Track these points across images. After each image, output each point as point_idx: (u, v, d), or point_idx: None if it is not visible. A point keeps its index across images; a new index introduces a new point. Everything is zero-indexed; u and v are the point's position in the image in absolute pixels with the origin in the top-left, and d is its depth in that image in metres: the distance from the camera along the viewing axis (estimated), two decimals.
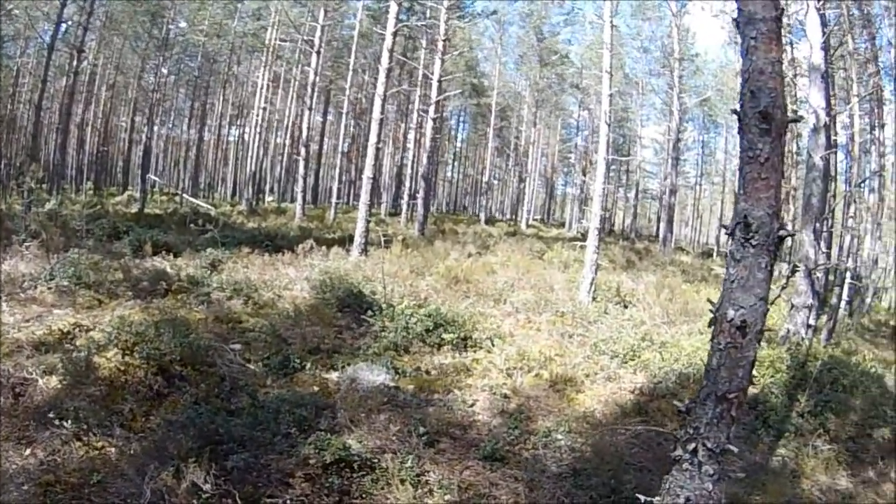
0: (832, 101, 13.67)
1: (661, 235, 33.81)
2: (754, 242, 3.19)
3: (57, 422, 5.53)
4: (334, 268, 12.89)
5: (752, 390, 8.68)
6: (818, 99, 11.60)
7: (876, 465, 7.41)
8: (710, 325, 3.49)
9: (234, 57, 37.57)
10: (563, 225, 47.57)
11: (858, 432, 8.02)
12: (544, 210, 55.45)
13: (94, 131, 36.25)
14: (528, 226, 39.54)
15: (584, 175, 46.58)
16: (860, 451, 7.69)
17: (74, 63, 24.56)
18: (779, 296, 12.04)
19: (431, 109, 24.08)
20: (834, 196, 18.06)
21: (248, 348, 8.07)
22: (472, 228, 30.02)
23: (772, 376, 9.35)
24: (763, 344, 9.82)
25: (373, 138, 16.67)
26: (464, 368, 8.52)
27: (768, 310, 3.38)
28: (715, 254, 38.57)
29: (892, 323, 20.14)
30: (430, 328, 9.31)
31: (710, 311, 3.47)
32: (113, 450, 5.38)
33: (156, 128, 34.43)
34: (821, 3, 11.67)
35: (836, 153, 17.14)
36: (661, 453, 6.56)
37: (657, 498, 3.59)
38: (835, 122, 16.54)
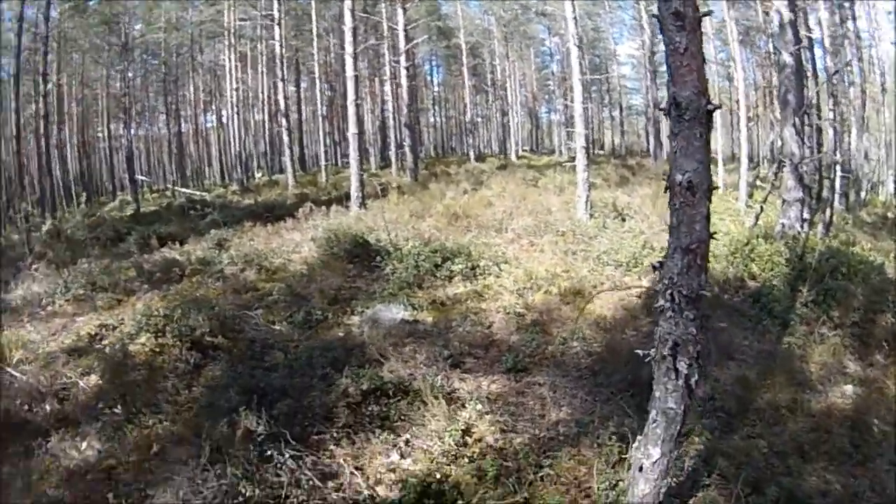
0: None
1: (651, 149, 33.93)
2: (687, 117, 3.64)
3: (107, 411, 5.81)
4: (336, 224, 13.06)
5: (753, 283, 9.35)
6: None
7: (882, 349, 7.78)
8: (665, 191, 3.91)
9: (195, 46, 37.23)
10: (552, 152, 47.48)
11: (862, 318, 8.30)
12: (532, 140, 55.31)
13: (73, 147, 36.25)
14: (517, 157, 39.58)
15: (566, 99, 46.44)
16: (865, 336, 8.03)
17: (41, 88, 24.57)
18: (769, 192, 12.44)
19: (402, 59, 24.09)
20: (817, 87, 18.16)
21: (270, 311, 8.31)
22: (463, 168, 30.06)
23: (771, 269, 9.77)
24: (760, 240, 10.37)
25: (351, 96, 16.84)
26: (476, 295, 8.90)
27: (710, 174, 3.83)
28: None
29: (889, 215, 20.40)
30: (439, 263, 9.69)
31: (664, 179, 3.88)
32: (166, 423, 5.68)
33: (133, 130, 34.30)
34: None
35: (809, 48, 17.18)
36: None
37: (652, 350, 4.02)
38: (805, 18, 16.55)
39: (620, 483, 4.73)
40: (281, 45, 26.82)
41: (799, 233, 11.42)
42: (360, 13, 24.63)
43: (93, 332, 7.83)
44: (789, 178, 11.94)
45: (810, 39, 17.05)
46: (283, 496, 4.69)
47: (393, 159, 29.85)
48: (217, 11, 33.51)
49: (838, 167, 15.98)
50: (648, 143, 41.99)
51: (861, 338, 8.00)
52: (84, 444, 5.53)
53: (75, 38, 31.30)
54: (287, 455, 4.93)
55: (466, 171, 26.02)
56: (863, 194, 22.68)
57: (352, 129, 16.73)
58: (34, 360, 7.03)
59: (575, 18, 14.28)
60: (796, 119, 11.95)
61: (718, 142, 24.60)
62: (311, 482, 4.83)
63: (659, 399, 4.02)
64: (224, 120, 39.49)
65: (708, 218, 3.87)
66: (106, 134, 37.52)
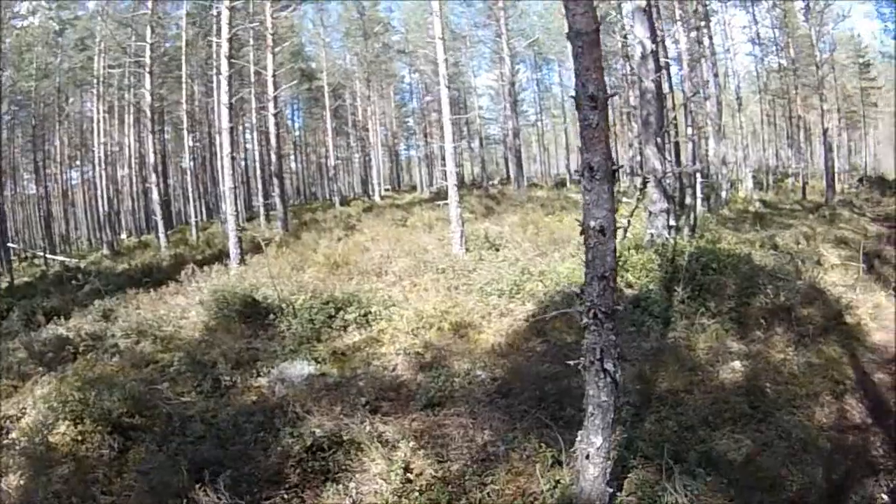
0: (656, 26, 15.07)
1: (512, 177, 35.46)
2: (598, 177, 4.52)
3: None
4: (220, 284, 12.79)
5: (631, 291, 10.27)
6: (642, 31, 13.01)
7: (761, 326, 8.85)
8: (581, 234, 4.75)
9: (61, 96, 35.48)
10: (414, 188, 48.46)
11: (737, 304, 9.45)
12: (393, 178, 56.15)
13: None
14: (381, 197, 40.09)
15: (426, 137, 47.72)
16: (743, 319, 9.13)
17: None
18: (636, 207, 13.64)
19: (271, 105, 23.98)
20: (674, 109, 19.88)
21: (176, 383, 8.23)
22: (329, 213, 30.21)
23: (647, 276, 10.76)
24: (632, 251, 11.38)
25: (226, 149, 16.64)
26: (373, 341, 9.33)
27: (616, 218, 4.74)
28: (568, 182, 40.77)
29: (750, 209, 22.56)
30: (332, 314, 10.02)
31: (578, 222, 4.77)
32: None
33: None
34: None
35: (667, 72, 18.82)
36: (563, 363, 7.36)
37: (582, 358, 4.85)
38: (663, 44, 18.16)
39: (561, 481, 5.41)
40: (151, 94, 25.89)
41: (668, 239, 12.40)
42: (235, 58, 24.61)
43: None
44: (654, 192, 13.00)
45: (667, 64, 18.63)
46: None
47: (261, 210, 29.54)
48: (88, 58, 32.14)
49: (698, 175, 17.60)
50: (508, 171, 43.98)
51: (739, 321, 9.06)
52: None
53: None
54: None
55: (335, 217, 26.32)
56: (723, 194, 24.71)
57: (227, 183, 16.60)
58: None
59: (445, 60, 14.99)
60: (657, 139, 13.15)
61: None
62: None
63: (593, 396, 4.80)
64: (90, 177, 37.61)
65: (615, 251, 4.75)
66: None
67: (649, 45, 13.04)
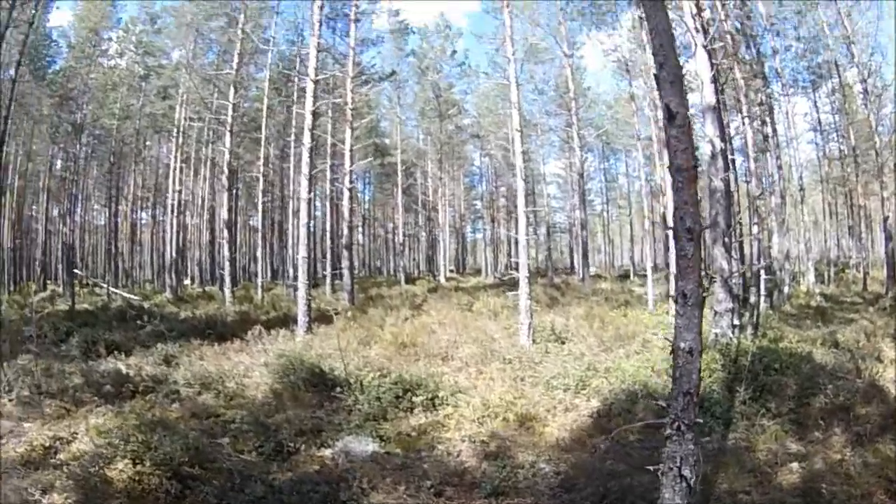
0: (725, 124, 15.14)
1: (577, 268, 35.34)
2: (689, 304, 4.77)
3: None
4: (287, 350, 13.07)
5: None
6: (712, 130, 13.01)
7: (819, 427, 8.61)
8: (670, 353, 4.97)
9: (140, 138, 37.15)
10: (478, 272, 48.62)
11: (797, 405, 9.26)
12: (457, 259, 56.54)
13: (8, 223, 34.67)
14: (446, 279, 40.48)
15: (493, 222, 48.21)
16: (802, 419, 8.91)
17: None
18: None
19: (346, 179, 24.43)
20: (738, 205, 19.73)
21: (237, 440, 8.32)
22: (394, 290, 30.59)
23: (710, 377, 10.42)
24: None
25: (303, 218, 17.01)
26: (438, 425, 9.28)
27: (703, 339, 4.93)
28: (632, 275, 40.42)
29: (812, 304, 22.00)
30: (399, 394, 10.00)
31: (668, 341, 4.99)
32: None
33: (74, 216, 33.46)
34: (707, 40, 12.97)
35: (734, 171, 18.85)
36: (629, 460, 7.75)
37: (661, 465, 5.05)
38: (731, 142, 18.21)
39: None
40: (230, 152, 26.82)
41: (731, 339, 12.22)
42: (319, 133, 25.53)
43: (46, 444, 7.73)
44: (720, 291, 12.89)
45: (733, 161, 18.61)
46: None
47: (328, 279, 29.90)
48: (169, 107, 33.66)
49: (762, 272, 17.26)
50: (572, 260, 43.91)
51: (798, 422, 8.82)
52: None
53: (28, 104, 30.65)
54: None
55: (400, 295, 26.53)
56: (786, 289, 24.10)
57: (302, 252, 16.83)
58: None
59: (523, 152, 15.14)
60: (725, 238, 13.12)
61: (648, 249, 26.12)
62: None
63: (668, 499, 4.99)
64: (160, 220, 38.96)
65: (699, 370, 4.95)
66: (44, 215, 36.46)
67: (719, 144, 13.03)
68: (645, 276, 36.95)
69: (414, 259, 55.92)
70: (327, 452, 8.21)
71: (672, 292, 5.02)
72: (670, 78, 4.77)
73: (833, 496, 6.72)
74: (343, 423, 9.18)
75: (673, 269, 12.90)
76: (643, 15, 4.99)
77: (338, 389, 10.43)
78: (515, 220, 46.88)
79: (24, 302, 21.09)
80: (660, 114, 22.53)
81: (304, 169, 17.03)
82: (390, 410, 9.67)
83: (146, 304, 21.68)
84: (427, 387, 10.29)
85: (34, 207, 39.05)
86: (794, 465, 7.67)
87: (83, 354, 12.76)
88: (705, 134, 13.26)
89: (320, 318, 17.74)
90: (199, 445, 7.53)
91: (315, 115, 17.33)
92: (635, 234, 50.45)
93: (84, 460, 7.13)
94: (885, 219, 27.83)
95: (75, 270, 27.22)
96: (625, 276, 39.79)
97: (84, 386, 10.29)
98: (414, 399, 9.96)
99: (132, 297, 24.81)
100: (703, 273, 4.95)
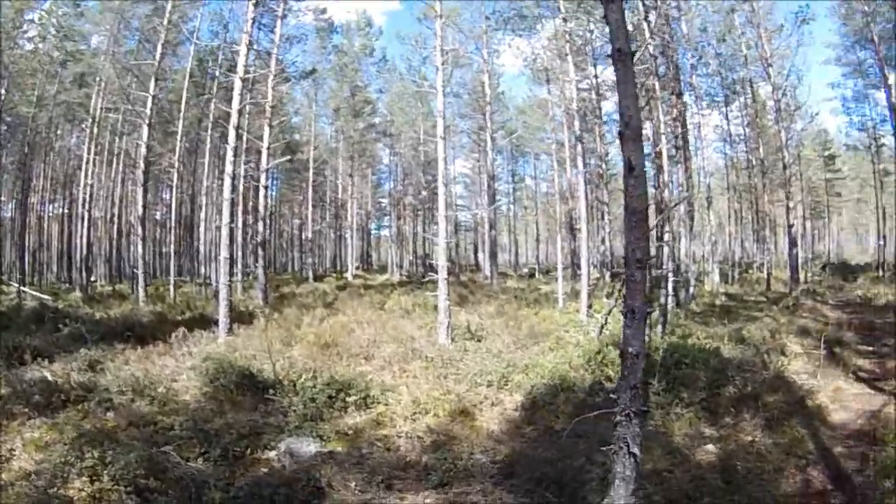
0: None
1: (484, 266, 36.27)
2: (637, 318, 5.54)
3: None
4: (213, 352, 13.17)
5: (610, 385, 10.94)
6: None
7: (730, 413, 9.78)
8: (620, 357, 5.92)
9: (52, 128, 35.36)
10: (384, 269, 48.98)
11: (709, 394, 10.34)
12: (363, 257, 56.61)
13: None
14: (353, 276, 40.72)
15: (399, 219, 48.69)
16: (714, 407, 10.02)
17: None
18: (614, 306, 14.50)
19: (263, 177, 24.30)
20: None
21: (181, 448, 8.29)
22: (303, 287, 30.72)
23: None
24: (610, 347, 12.30)
25: (226, 218, 16.83)
26: (374, 423, 9.80)
27: (645, 343, 5.74)
28: (537, 273, 41.73)
29: (717, 302, 23.65)
30: (332, 395, 10.45)
31: (619, 349, 6.02)
32: None
33: None
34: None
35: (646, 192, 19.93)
36: (558, 448, 8.56)
37: (612, 445, 5.78)
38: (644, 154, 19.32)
39: None
40: (147, 146, 26.02)
41: None
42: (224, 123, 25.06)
43: None
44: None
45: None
46: None
47: (238, 278, 29.49)
48: (86, 95, 32.18)
49: (671, 275, 18.51)
50: (476, 258, 45.01)
51: (710, 409, 9.91)
52: None
53: None
54: None
55: (311, 293, 26.85)
56: (691, 289, 25.81)
57: (224, 252, 16.73)
58: None
59: (445, 159, 15.75)
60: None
61: (559, 249, 27.20)
62: None
63: (619, 472, 5.68)
64: (68, 214, 37.20)
65: (642, 368, 5.73)
66: None
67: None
68: (549, 274, 38.50)
69: (320, 256, 55.65)
70: (272, 454, 8.54)
71: (623, 308, 5.75)
72: (633, 136, 5.62)
73: (748, 472, 7.72)
74: (281, 424, 9.47)
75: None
76: (616, 75, 5.65)
77: (270, 391, 10.72)
78: (425, 220, 48.00)
79: None
80: (575, 121, 23.94)
81: (228, 168, 16.88)
82: (325, 411, 10.08)
83: (60, 305, 20.87)
84: (358, 386, 10.76)
85: None
86: (710, 446, 8.70)
87: (5, 362, 12.20)
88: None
89: (238, 318, 17.78)
90: (150, 456, 7.59)
91: (240, 113, 17.24)
92: (541, 234, 51.99)
93: (37, 482, 6.99)
94: (791, 226, 30.36)
95: None
96: (530, 276, 41.05)
97: (12, 397, 9.93)
98: (347, 399, 10.42)
99: (44, 296, 23.70)
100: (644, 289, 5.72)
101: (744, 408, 9.79)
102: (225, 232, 16.93)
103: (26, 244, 35.36)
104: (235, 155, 17.49)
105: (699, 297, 26.11)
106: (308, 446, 8.68)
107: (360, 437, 9.23)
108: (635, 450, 5.74)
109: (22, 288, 24.97)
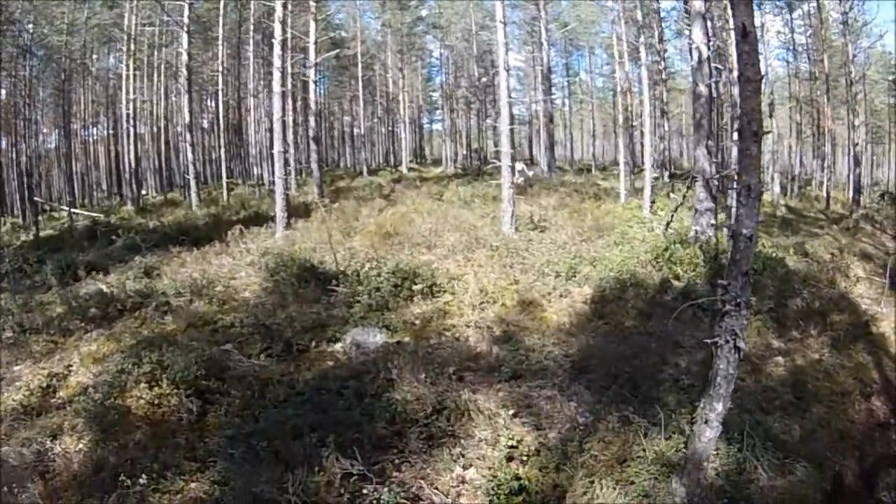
0: (711, 37, 15.25)
1: (539, 160, 35.33)
2: (752, 196, 5.23)
3: (128, 481, 5.32)
4: (271, 247, 12.95)
5: (679, 284, 10.55)
6: (700, 37, 13.31)
7: (798, 327, 9.27)
8: (729, 239, 5.58)
9: (86, 52, 34.97)
10: (437, 163, 48.25)
11: (776, 304, 9.85)
12: (416, 151, 55.95)
13: None
14: (408, 169, 40.08)
15: (452, 112, 47.56)
16: (781, 318, 9.55)
17: None
18: (681, 203, 13.84)
19: (311, 72, 23.48)
20: (719, 115, 19.93)
21: (243, 345, 8.14)
22: (358, 182, 30.23)
23: (693, 270, 11.04)
24: (678, 246, 11.65)
25: (277, 113, 16.52)
26: (441, 312, 9.42)
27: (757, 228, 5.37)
28: (593, 169, 40.55)
29: (777, 213, 22.66)
30: (398, 284, 10.04)
31: (729, 229, 5.64)
32: (199, 482, 5.50)
33: (24, 144, 31.57)
34: None
35: (719, 81, 19.03)
36: (628, 345, 8.15)
37: (717, 337, 5.50)
38: (719, 55, 18.24)
39: (659, 447, 5.97)
40: (189, 55, 25.34)
41: (710, 237, 12.76)
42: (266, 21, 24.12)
43: (43, 385, 7.33)
44: (701, 191, 13.28)
45: (718, 69, 18.71)
46: None
47: (292, 174, 29.20)
48: (119, 15, 31.65)
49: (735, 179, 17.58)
50: (531, 152, 43.81)
51: (777, 320, 9.47)
52: None
53: None
54: (385, 489, 5.31)
55: (366, 186, 26.17)
56: None
57: (277, 146, 16.35)
58: None
59: (506, 44, 14.97)
60: (708, 142, 13.48)
61: (621, 143, 26.12)
62: None
63: (722, 368, 5.49)
64: (115, 133, 37.23)
65: (753, 255, 5.51)
66: None
67: (705, 52, 13.35)
68: (605, 171, 37.35)
69: (371, 151, 55.19)
70: (337, 347, 8.27)
71: (736, 185, 5.43)
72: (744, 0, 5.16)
73: (817, 390, 7.50)
74: (346, 316, 9.17)
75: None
76: None
77: (333, 282, 10.38)
78: (479, 112, 46.73)
79: None
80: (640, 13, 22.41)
81: (277, 62, 16.39)
82: (391, 300, 9.73)
83: (112, 219, 20.57)
84: (423, 275, 10.37)
85: None
86: (779, 359, 8.37)
87: (60, 281, 11.97)
88: (693, 41, 13.51)
89: (294, 212, 17.37)
90: (211, 356, 7.38)
91: (284, 6, 16.49)
92: (597, 128, 50.30)
93: (94, 394, 6.82)
94: (855, 145, 29.04)
95: (35, 198, 25.87)
96: (586, 170, 39.94)
97: (68, 314, 9.76)
98: (413, 288, 10.04)
99: (92, 215, 23.66)
100: (759, 168, 5.35)
101: (810, 323, 9.32)
102: (277, 126, 16.62)
103: (73, 169, 35.50)
104: (283, 49, 16.77)
105: (760, 206, 24.83)
106: (374, 337, 8.39)
107: (427, 327, 8.86)
108: (741, 344, 5.45)
109: (71, 210, 24.94)
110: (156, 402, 6.56)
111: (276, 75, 16.51)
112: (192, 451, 5.96)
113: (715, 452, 5.87)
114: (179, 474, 5.55)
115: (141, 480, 5.33)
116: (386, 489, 5.35)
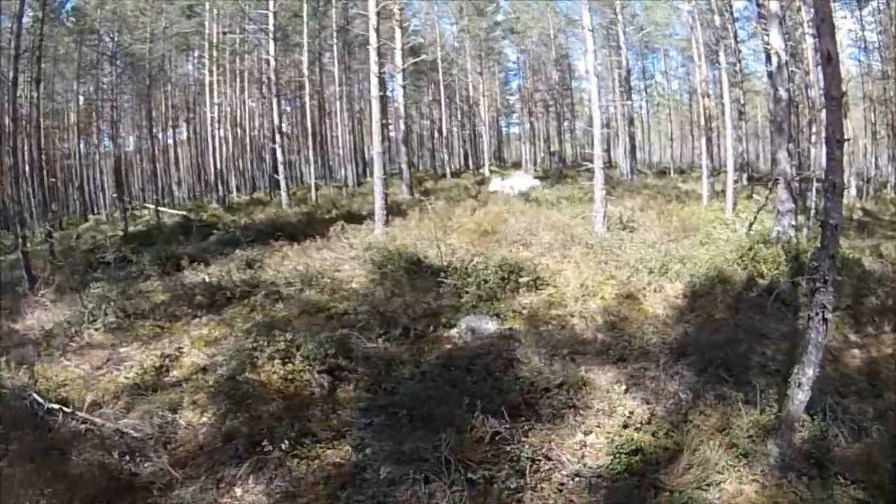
0: (787, 40, 15.34)
1: (619, 163, 35.33)
2: (838, 192, 5.78)
3: (269, 446, 5.81)
4: (374, 242, 13.56)
5: (763, 281, 11.03)
6: (778, 41, 13.53)
7: (873, 323, 9.64)
8: (820, 227, 6.06)
9: (166, 58, 36.73)
10: (517, 165, 48.49)
11: (853, 302, 10.19)
12: (496, 154, 56.33)
13: (35, 164, 34.72)
14: (490, 172, 40.48)
15: (530, 116, 47.81)
16: (857, 315, 9.90)
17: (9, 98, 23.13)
18: (764, 204, 13.96)
19: (399, 77, 24.49)
20: (797, 118, 19.80)
21: (360, 330, 8.67)
22: (443, 183, 30.92)
23: (776, 269, 11.45)
24: (761, 245, 12.07)
25: (376, 115, 17.38)
26: (545, 303, 10.02)
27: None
28: (672, 172, 40.18)
29: (853, 217, 22.30)
30: (504, 276, 10.69)
31: (820, 220, 6.08)
32: (335, 449, 6.09)
33: (111, 145, 33.43)
34: None
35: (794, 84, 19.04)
36: (720, 335, 8.64)
37: (806, 311, 6.20)
38: (792, 55, 18.26)
39: (757, 418, 6.61)
40: (276, 60, 26.55)
41: (791, 237, 13.12)
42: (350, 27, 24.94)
43: (157, 364, 7.93)
44: (782, 192, 13.59)
45: (794, 73, 18.67)
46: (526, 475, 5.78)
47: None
48: (199, 24, 33.14)
49: (815, 181, 17.53)
50: (610, 155, 43.68)
51: (854, 316, 9.83)
52: (240, 491, 5.60)
53: (46, 47, 30.16)
54: (526, 446, 6.12)
55: (454, 188, 26.88)
56: None
57: (377, 147, 17.32)
58: (106, 401, 6.99)
59: (595, 51, 15.45)
60: (789, 144, 13.88)
61: (703, 146, 26.03)
62: (536, 464, 5.96)
63: (813, 337, 6.08)
64: (198, 136, 38.97)
65: (838, 243, 6.15)
66: (79, 150, 36.57)
67: (784, 56, 13.63)
68: (684, 174, 36.99)
69: (451, 154, 55.84)
70: (453, 332, 8.94)
71: (818, 184, 6.01)
72: (829, 31, 5.89)
73: (889, 380, 7.85)
74: (457, 305, 9.81)
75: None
76: None
77: (442, 275, 11.03)
78: (558, 116, 46.86)
79: (72, 236, 21.33)
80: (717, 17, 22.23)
81: (374, 68, 17.46)
82: (499, 291, 10.37)
83: (204, 216, 21.64)
84: (527, 269, 10.99)
85: (65, 145, 38.87)
86: (856, 351, 8.82)
87: (162, 271, 12.61)
88: (771, 45, 13.82)
89: (389, 210, 17.94)
90: (341, 337, 8.08)
91: (378, 14, 17.35)
92: (675, 130, 49.78)
93: (219, 370, 7.51)
94: None
95: (123, 197, 27.27)
96: (664, 173, 39.65)
97: (173, 301, 10.39)
98: (519, 280, 10.67)
99: (179, 213, 24.76)
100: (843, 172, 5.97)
101: (885, 320, 9.59)
102: (376, 128, 17.47)
103: (156, 169, 37.18)
104: (379, 55, 17.87)
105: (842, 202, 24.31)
106: (487, 324, 9.04)
107: (535, 316, 9.48)
108: (829, 315, 6.03)
109: (158, 208, 26.17)
110: (289, 376, 7.20)
111: (374, 81, 17.53)
112: (327, 421, 6.52)
113: (801, 424, 6.39)
114: (316, 442, 6.14)
115: (282, 446, 5.86)
116: (524, 448, 6.08)
